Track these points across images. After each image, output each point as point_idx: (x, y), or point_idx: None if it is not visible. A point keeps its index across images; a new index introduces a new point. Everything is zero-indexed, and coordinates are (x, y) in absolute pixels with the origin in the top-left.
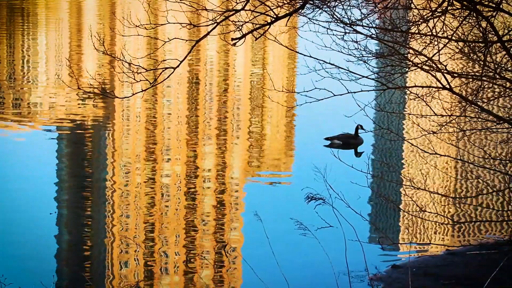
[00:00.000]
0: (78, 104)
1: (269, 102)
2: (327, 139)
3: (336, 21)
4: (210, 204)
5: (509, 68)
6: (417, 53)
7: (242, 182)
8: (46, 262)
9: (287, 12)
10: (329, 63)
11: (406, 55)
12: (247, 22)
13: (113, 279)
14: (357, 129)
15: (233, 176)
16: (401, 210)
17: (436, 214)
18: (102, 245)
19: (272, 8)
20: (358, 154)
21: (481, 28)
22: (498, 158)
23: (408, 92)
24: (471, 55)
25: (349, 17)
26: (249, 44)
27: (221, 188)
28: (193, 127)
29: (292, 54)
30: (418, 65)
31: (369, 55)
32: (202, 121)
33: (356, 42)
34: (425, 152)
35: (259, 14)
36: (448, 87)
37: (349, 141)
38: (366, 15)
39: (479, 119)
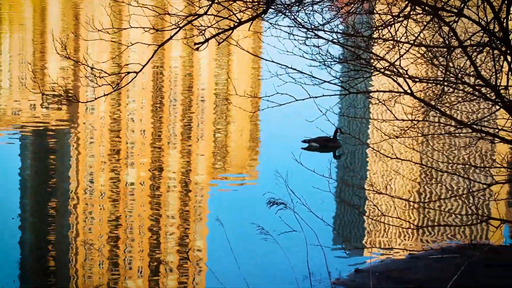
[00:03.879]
0: (42, 108)
1: (234, 107)
2: (305, 141)
3: (298, 26)
4: (174, 208)
5: (470, 73)
6: (378, 58)
7: (206, 187)
8: (8, 267)
9: (250, 17)
10: (292, 68)
11: (368, 60)
12: (210, 26)
13: (76, 285)
14: (335, 132)
15: (198, 181)
16: (363, 215)
17: (398, 219)
18: (65, 250)
19: (235, 13)
20: (336, 157)
21: (443, 33)
22: (459, 163)
23: (371, 96)
24: (433, 60)
25: (311, 22)
26: (213, 48)
27: (185, 193)
28: (157, 131)
29: (256, 59)
30: (380, 70)
31: (331, 60)
32: (166, 126)
33: (318, 47)
34: (386, 156)
35: (222, 18)
36: (410, 92)
37: (326, 144)
38: (328, 20)
39: (441, 124)
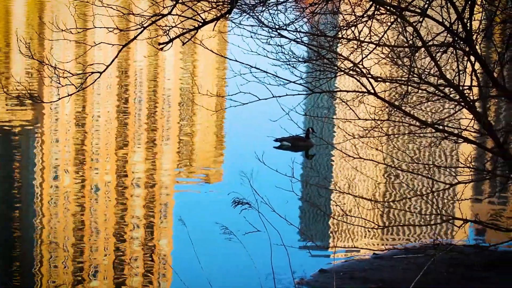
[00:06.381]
0: (6, 109)
1: (200, 106)
2: (277, 140)
3: (261, 25)
4: (139, 208)
5: (434, 74)
6: (342, 58)
7: (171, 187)
8: None
9: (214, 17)
10: (255, 67)
11: (332, 60)
12: (174, 26)
13: (41, 284)
14: (308, 132)
15: (163, 180)
16: (326, 215)
17: (362, 219)
18: (30, 250)
19: (199, 13)
20: (309, 157)
21: (407, 33)
22: (423, 163)
23: (336, 96)
24: (397, 60)
25: (276, 22)
26: (179, 48)
27: (150, 193)
28: (122, 131)
29: (222, 59)
30: (345, 70)
31: (294, 60)
32: (131, 126)
33: (281, 46)
34: (349, 156)
35: (186, 18)
36: (373, 91)
37: (298, 144)
38: (293, 20)
39: (405, 124)
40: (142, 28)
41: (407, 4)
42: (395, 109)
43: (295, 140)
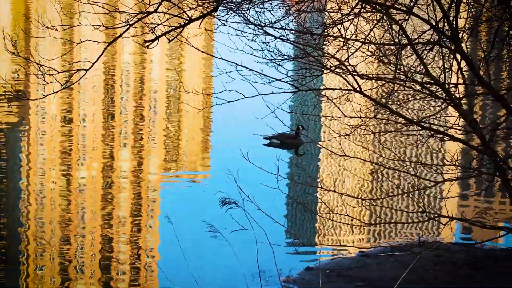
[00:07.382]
0: None
1: (186, 104)
2: (266, 138)
3: (248, 23)
4: (125, 207)
5: (420, 72)
6: (328, 56)
7: (158, 185)
8: None
9: (200, 14)
10: (241, 65)
11: (317, 58)
12: (160, 24)
13: (27, 284)
14: (298, 129)
15: (149, 179)
16: (312, 212)
17: (348, 216)
18: (16, 249)
19: (185, 10)
20: (299, 155)
21: (393, 31)
22: (409, 161)
23: (322, 94)
24: (383, 58)
25: (262, 19)
26: (165, 46)
27: (137, 191)
28: (109, 130)
29: (208, 57)
30: (331, 68)
31: (280, 57)
32: (117, 124)
33: (266, 43)
34: (335, 154)
35: (172, 16)
36: (359, 89)
37: (287, 141)
38: (279, 18)
39: (391, 122)
40: (128, 26)
41: (393, 2)
42: (381, 107)
43: (285, 138)
